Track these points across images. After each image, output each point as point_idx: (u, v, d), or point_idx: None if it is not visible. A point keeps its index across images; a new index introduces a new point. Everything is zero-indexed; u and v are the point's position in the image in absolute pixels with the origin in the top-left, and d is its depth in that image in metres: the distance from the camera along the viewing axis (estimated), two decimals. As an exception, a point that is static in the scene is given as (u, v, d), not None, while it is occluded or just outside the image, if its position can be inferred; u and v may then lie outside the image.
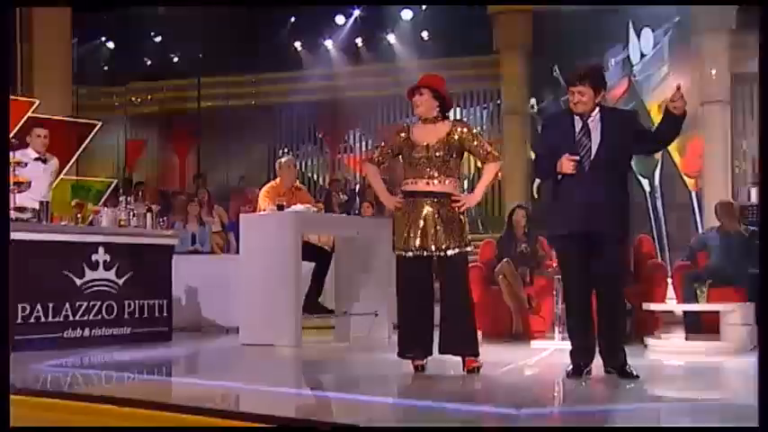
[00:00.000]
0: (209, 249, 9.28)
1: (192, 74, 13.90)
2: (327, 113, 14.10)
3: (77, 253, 6.68)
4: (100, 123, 8.80)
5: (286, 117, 14.40)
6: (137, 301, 7.07)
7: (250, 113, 14.20)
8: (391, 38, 13.79)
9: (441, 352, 4.83)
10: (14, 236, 5.77)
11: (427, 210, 4.80)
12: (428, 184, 4.82)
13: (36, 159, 7.21)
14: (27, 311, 6.30)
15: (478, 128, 13.54)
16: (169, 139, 14.91)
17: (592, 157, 4.52)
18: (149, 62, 14.46)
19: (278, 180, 7.40)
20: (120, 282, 6.97)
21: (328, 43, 14.04)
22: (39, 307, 6.37)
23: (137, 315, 7.01)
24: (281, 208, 6.85)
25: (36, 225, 6.48)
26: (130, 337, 6.95)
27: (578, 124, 4.60)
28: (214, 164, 13.62)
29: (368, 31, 13.66)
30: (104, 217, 7.16)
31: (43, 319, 6.41)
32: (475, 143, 4.89)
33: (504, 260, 7.27)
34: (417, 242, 4.79)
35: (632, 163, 5.00)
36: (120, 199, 7.38)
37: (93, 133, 8.66)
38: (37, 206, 6.69)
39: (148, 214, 7.23)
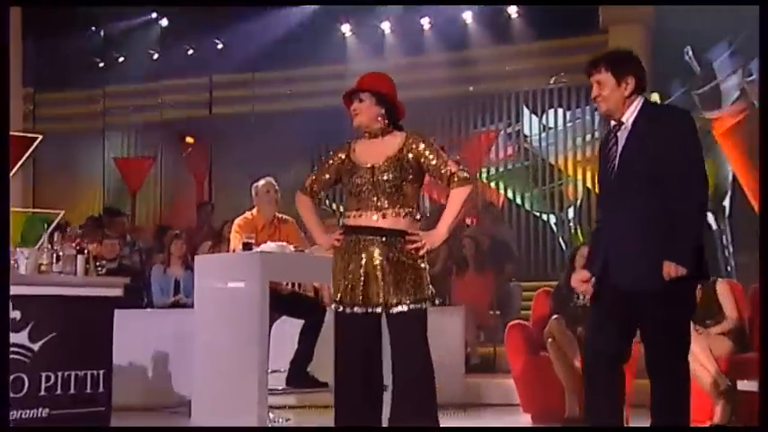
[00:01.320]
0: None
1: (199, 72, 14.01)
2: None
3: (-20, 312, 6.49)
4: (40, 137, 8.42)
5: (326, 123, 13.71)
6: (59, 374, 6.64)
7: (282, 119, 13.96)
8: (467, 16, 13.23)
9: (390, 425, 4.82)
10: None
11: (373, 252, 4.66)
12: (374, 218, 4.68)
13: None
14: None
15: (587, 135, 13.17)
16: (180, 156, 14.86)
17: (612, 181, 4.38)
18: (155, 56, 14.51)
19: (254, 211, 7.26)
20: (36, 347, 6.54)
21: (385, 26, 13.66)
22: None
23: (58, 392, 6.58)
24: (247, 247, 6.68)
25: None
26: (47, 420, 6.53)
27: (612, 134, 4.45)
28: (233, 187, 13.23)
29: (432, 9, 13.23)
30: (21, 261, 6.80)
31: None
32: (434, 161, 4.73)
33: (554, 317, 6.83)
34: (360, 295, 4.67)
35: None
36: (43, 238, 7.10)
37: (31, 149, 8.40)
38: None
39: (80, 257, 6.85)
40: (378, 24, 13.66)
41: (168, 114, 14.89)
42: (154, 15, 14.04)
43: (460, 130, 13.88)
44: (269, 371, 6.53)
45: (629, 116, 4.35)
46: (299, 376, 6.88)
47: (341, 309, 4.72)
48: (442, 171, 4.68)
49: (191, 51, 14.24)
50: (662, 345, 4.22)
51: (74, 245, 7.12)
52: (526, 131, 13.56)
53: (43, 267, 6.70)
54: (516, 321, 7.43)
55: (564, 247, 12.99)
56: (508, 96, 13.51)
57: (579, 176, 13.13)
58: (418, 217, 4.74)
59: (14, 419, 6.43)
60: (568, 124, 13.33)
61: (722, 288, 6.79)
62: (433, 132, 13.17)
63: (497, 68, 13.38)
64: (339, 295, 4.73)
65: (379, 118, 4.77)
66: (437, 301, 4.80)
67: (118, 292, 7.02)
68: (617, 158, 4.34)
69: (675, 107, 5.24)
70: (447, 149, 13.24)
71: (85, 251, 6.99)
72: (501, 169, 13.79)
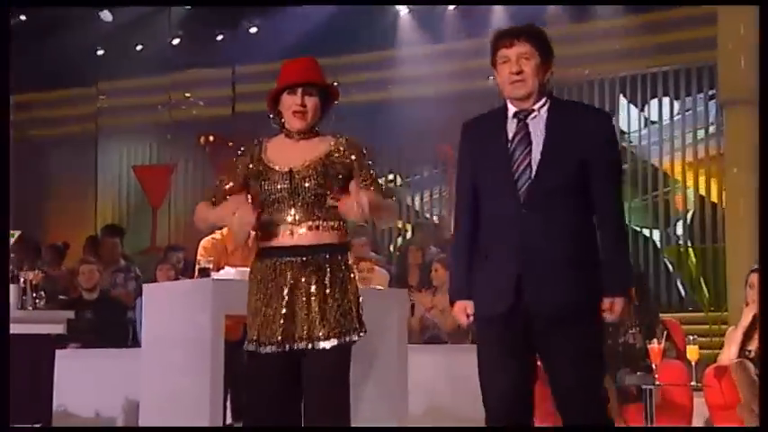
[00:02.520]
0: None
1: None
2: (452, 117, 13.51)
3: None
4: None
5: (387, 122, 14.36)
6: None
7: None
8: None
9: None
10: None
11: (293, 277, 4.70)
12: (292, 234, 4.69)
13: None
14: None
15: (699, 130, 13.21)
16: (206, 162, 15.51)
17: (531, 180, 4.38)
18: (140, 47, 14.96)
19: (225, 230, 7.34)
20: None
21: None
22: None
23: None
24: (204, 273, 6.88)
25: None
26: None
27: (512, 125, 4.46)
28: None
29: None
30: None
31: None
32: (362, 170, 4.83)
33: None
34: (278, 331, 4.70)
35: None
36: None
37: None
38: None
39: (12, 286, 7.14)
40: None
41: (183, 114, 15.47)
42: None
43: None
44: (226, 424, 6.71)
45: (541, 108, 4.44)
46: None
47: (255, 349, 4.74)
48: (368, 182, 4.79)
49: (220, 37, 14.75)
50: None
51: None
52: (623, 126, 13.63)
53: (-31, 300, 7.02)
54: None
55: (671, 269, 13.12)
56: (600, 84, 13.61)
57: (690, 182, 13.27)
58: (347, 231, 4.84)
59: None
60: (677, 117, 13.39)
61: None
62: None
63: (582, 50, 13.46)
64: (255, 331, 4.76)
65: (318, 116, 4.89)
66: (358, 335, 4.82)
67: (59, 329, 7.38)
68: (530, 156, 4.39)
69: (591, 105, 5.17)
70: None
71: (21, 279, 7.29)
72: None
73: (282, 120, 4.89)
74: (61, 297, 9.56)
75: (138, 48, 15.08)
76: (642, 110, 13.62)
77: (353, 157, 4.84)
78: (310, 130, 4.86)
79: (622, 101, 13.62)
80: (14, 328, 6.89)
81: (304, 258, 4.70)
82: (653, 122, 13.63)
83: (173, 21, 14.82)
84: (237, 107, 15.37)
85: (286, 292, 4.73)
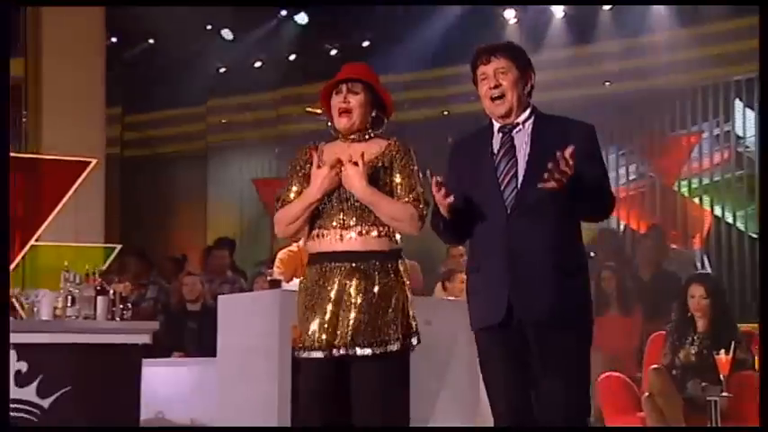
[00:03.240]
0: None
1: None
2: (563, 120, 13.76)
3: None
4: (95, 161, 9.53)
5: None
6: None
7: (439, 125, 14.73)
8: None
9: None
10: None
11: (340, 283, 4.77)
12: (341, 238, 4.77)
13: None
14: None
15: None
16: None
17: (518, 190, 4.57)
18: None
19: (301, 243, 7.47)
20: (46, 404, 7.21)
21: (508, 13, 14.23)
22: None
23: None
24: (275, 284, 7.14)
25: None
26: None
27: (497, 139, 4.66)
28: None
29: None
30: (43, 304, 7.47)
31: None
32: (400, 180, 4.87)
33: (653, 367, 7.12)
34: (322, 336, 4.77)
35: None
36: (64, 276, 7.61)
37: (85, 173, 9.47)
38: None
39: (100, 299, 7.36)
40: (546, 7, 14.15)
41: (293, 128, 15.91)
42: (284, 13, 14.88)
43: (652, 133, 14.13)
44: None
45: (526, 121, 4.59)
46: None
47: (303, 354, 4.82)
48: (402, 191, 4.81)
49: (334, 52, 15.09)
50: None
51: (96, 284, 7.67)
52: (739, 131, 13.47)
53: (57, 311, 7.28)
54: (610, 373, 7.73)
55: None
56: (715, 88, 13.47)
57: None
58: (398, 238, 4.85)
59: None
60: None
61: None
62: (619, 138, 14.03)
63: (694, 55, 13.41)
64: (304, 336, 4.83)
65: (370, 120, 4.90)
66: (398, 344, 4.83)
67: (145, 338, 7.54)
68: (516, 167, 4.55)
69: (573, 119, 5.27)
70: (638, 157, 13.59)
71: (110, 291, 7.54)
72: (707, 181, 13.87)
73: (332, 122, 4.97)
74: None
75: (257, 64, 15.58)
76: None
77: (398, 157, 4.88)
78: (362, 133, 4.92)
79: (738, 104, 13.40)
80: (102, 339, 7.27)
81: (353, 264, 4.75)
82: (770, 127, 13.13)
83: (289, 36, 15.23)
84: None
85: (333, 297, 4.79)
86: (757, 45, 12.63)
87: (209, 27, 14.81)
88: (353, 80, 4.85)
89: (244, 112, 15.92)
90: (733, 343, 7.01)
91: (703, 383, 7.04)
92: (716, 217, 13.60)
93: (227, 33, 14.96)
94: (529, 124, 4.69)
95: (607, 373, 7.78)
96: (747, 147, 13.49)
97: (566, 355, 4.59)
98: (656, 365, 7.11)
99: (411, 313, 4.86)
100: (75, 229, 10.11)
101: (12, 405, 6.99)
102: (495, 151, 4.66)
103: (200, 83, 15.48)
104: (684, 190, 14.00)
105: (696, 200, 13.92)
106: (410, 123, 14.69)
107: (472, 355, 7.29)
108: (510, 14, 14.39)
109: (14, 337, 6.96)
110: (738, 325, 8.37)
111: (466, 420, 7.65)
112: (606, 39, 13.87)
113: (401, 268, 4.89)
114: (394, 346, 4.76)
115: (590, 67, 13.68)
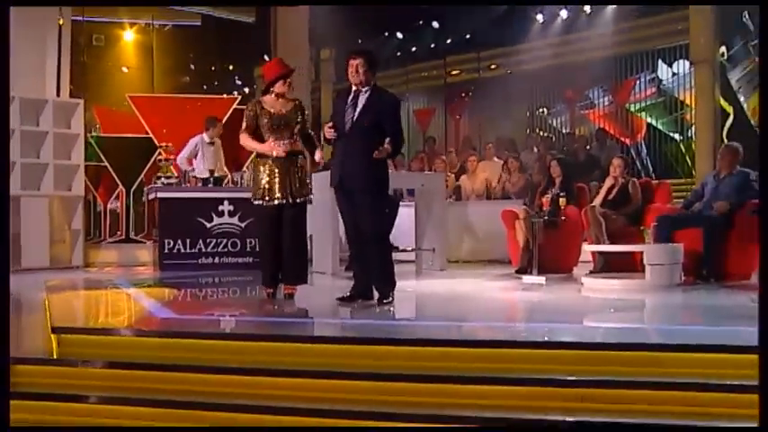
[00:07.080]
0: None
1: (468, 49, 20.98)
2: (571, 74, 19.62)
3: (207, 205, 12.17)
4: (239, 97, 13.81)
5: (539, 81, 20.39)
6: (255, 240, 11.71)
7: (510, 80, 20.58)
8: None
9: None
10: (161, 195, 12.04)
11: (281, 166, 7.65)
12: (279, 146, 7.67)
13: (209, 144, 13.57)
14: (171, 245, 12.14)
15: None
16: (449, 107, 22.18)
17: (353, 123, 6.89)
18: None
19: None
20: (243, 225, 12.10)
21: (563, 13, 19.74)
22: (179, 242, 12.09)
23: (258, 249, 10.25)
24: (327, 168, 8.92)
25: (177, 187, 12.51)
26: (252, 264, 11.27)
27: (352, 96, 6.94)
28: (487, 125, 19.95)
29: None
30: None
31: (182, 251, 11.99)
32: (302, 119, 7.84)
33: (524, 206, 11.41)
34: (271, 192, 7.74)
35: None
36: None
37: (231, 108, 14.10)
38: (207, 174, 12.73)
39: None
40: (558, 12, 19.75)
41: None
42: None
43: (616, 79, 19.09)
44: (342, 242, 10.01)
45: (368, 89, 6.75)
46: None
47: (259, 202, 7.62)
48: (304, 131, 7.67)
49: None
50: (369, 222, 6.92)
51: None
52: (661, 76, 18.55)
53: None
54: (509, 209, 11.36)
55: (683, 151, 17.72)
56: (647, 53, 18.64)
57: (694, 107, 17.35)
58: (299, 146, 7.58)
59: (233, 263, 12.05)
60: (688, 71, 17.67)
61: (632, 185, 10.54)
62: (603, 80, 19.00)
63: (636, 35, 18.45)
64: (259, 194, 7.57)
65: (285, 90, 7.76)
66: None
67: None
68: (356, 112, 6.74)
69: (392, 93, 7.35)
70: (608, 93, 19.87)
71: None
72: (643, 104, 18.79)
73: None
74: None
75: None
76: (671, 67, 18.00)
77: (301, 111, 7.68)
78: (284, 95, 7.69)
79: (660, 62, 18.08)
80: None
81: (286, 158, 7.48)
82: (675, 74, 17.86)
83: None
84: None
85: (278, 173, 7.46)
86: (673, 28, 17.50)
87: None
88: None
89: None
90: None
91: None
92: (648, 124, 18.59)
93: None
94: (367, 90, 6.76)
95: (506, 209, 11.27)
96: (664, 85, 18.37)
97: (368, 203, 6.69)
98: (525, 206, 10.99)
99: (308, 181, 7.38)
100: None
101: (226, 225, 11.74)
102: (349, 102, 6.74)
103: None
104: (631, 108, 18.80)
105: (637, 115, 18.80)
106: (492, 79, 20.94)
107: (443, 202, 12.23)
108: (539, 17, 19.84)
109: (225, 194, 11.91)
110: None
111: (436, 239, 11.48)
112: (586, 29, 18.95)
113: (302, 158, 7.57)
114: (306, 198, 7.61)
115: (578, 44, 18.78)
